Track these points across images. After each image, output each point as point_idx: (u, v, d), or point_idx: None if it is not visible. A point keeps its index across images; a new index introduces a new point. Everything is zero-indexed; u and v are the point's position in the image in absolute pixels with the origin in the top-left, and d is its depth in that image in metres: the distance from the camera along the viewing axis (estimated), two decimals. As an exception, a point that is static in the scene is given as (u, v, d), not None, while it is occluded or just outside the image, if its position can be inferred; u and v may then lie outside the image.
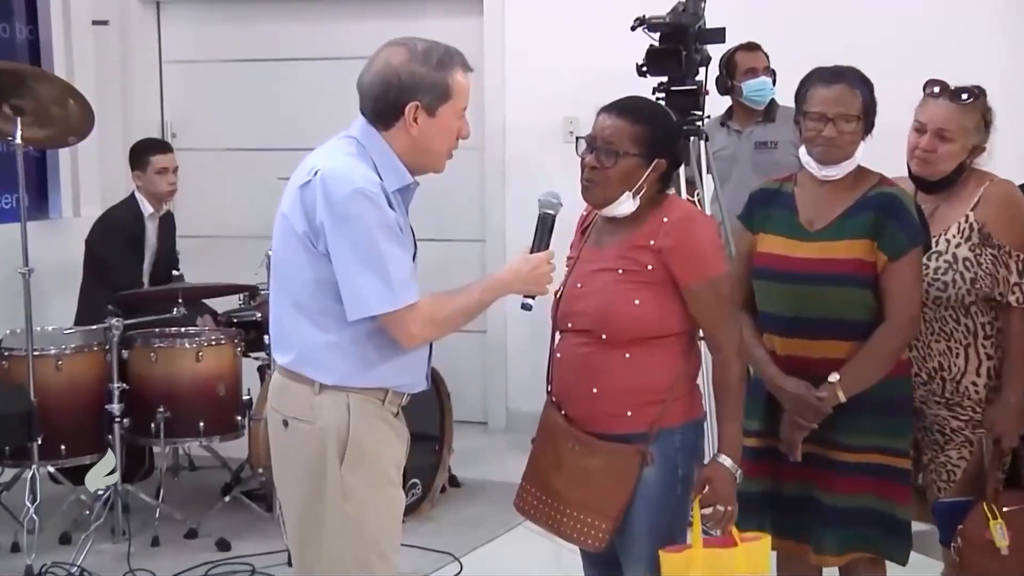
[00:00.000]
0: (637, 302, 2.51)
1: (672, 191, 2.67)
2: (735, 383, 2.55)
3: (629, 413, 2.53)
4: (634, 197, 2.54)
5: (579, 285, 2.62)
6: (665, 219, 2.53)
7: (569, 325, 2.63)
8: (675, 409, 2.54)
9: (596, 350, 2.55)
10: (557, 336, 2.69)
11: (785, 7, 5.24)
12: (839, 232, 2.76)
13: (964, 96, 2.90)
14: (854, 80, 2.77)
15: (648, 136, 2.54)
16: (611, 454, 2.53)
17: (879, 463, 2.76)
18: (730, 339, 2.56)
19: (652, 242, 2.52)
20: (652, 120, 2.58)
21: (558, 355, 2.66)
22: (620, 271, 2.54)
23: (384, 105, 2.42)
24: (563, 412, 2.62)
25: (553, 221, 2.56)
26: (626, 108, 2.58)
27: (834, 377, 2.71)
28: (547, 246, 2.54)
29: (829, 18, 5.20)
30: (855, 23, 5.12)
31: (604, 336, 2.53)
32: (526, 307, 2.52)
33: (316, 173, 2.37)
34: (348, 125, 2.52)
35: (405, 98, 2.40)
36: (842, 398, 2.72)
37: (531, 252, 2.53)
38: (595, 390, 2.55)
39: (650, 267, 2.52)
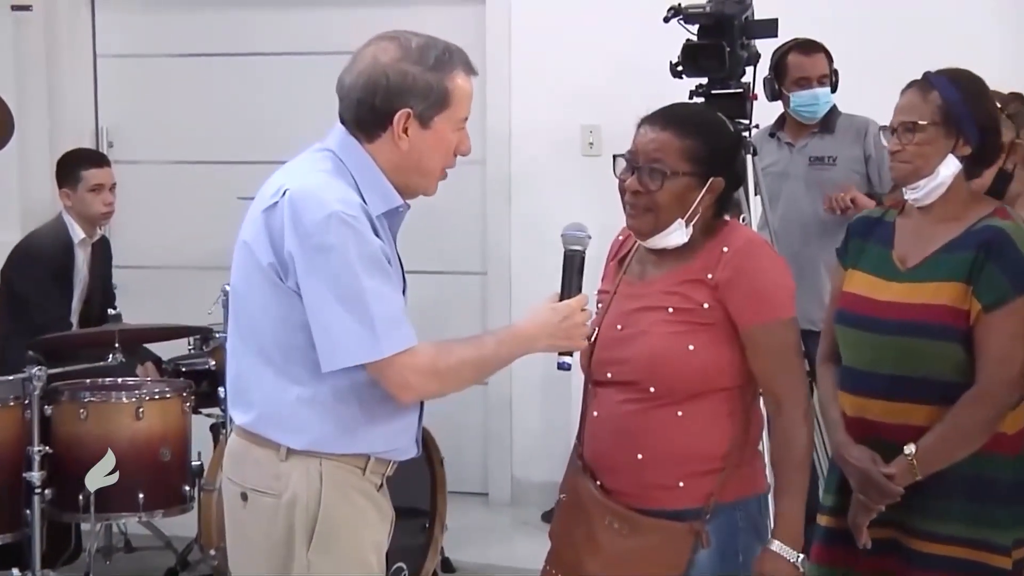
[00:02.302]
0: (692, 347, 2.51)
1: (730, 216, 2.68)
2: (799, 452, 2.54)
3: (681, 484, 2.53)
4: (687, 225, 2.56)
5: (619, 327, 2.62)
6: (725, 249, 2.55)
7: (608, 376, 2.62)
8: (736, 479, 2.54)
9: (642, 407, 2.55)
10: (591, 389, 2.69)
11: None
12: (931, 272, 2.75)
13: None
14: (936, 83, 2.78)
15: (702, 151, 2.55)
16: (658, 534, 2.52)
17: (969, 559, 2.71)
18: (794, 397, 2.54)
19: (709, 276, 2.53)
20: (705, 132, 2.59)
21: (594, 413, 2.66)
22: (670, 309, 2.55)
23: (368, 112, 2.43)
24: (598, 482, 2.62)
25: (583, 259, 2.56)
26: (673, 119, 2.59)
27: (909, 449, 2.69)
28: (578, 290, 2.53)
29: (908, 8, 5.24)
30: (941, 15, 5.16)
31: (652, 389, 2.53)
32: (564, 367, 2.52)
33: (284, 193, 2.39)
34: (324, 135, 2.53)
35: (394, 104, 2.41)
36: (918, 475, 2.69)
37: (560, 299, 2.52)
38: (640, 456, 2.55)
39: (706, 305, 2.53)
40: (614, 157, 2.64)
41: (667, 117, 2.59)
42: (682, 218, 2.55)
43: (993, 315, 2.68)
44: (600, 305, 2.71)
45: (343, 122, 2.49)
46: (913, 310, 2.74)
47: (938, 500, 2.72)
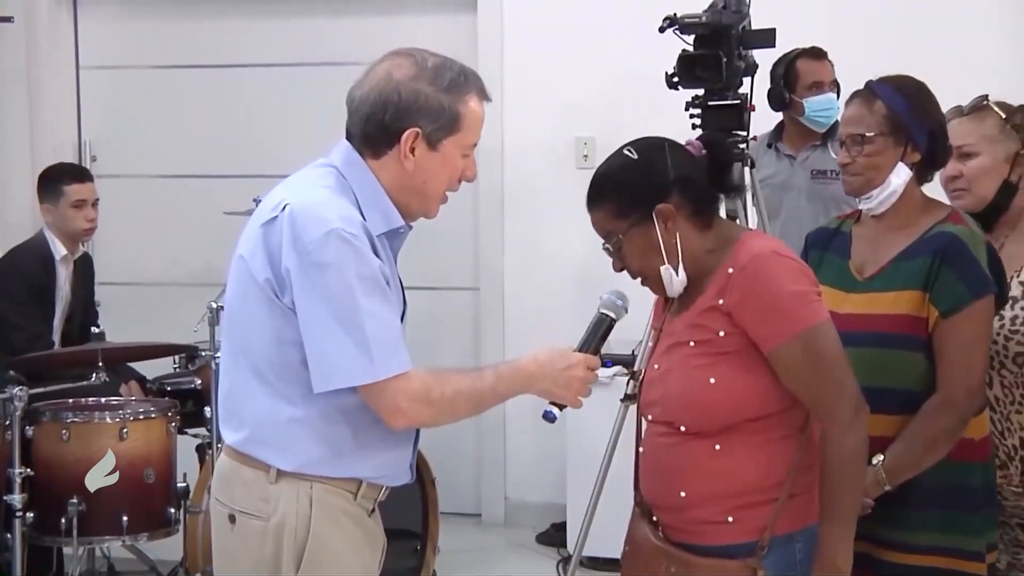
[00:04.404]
0: (713, 380, 2.47)
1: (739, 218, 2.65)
2: (848, 468, 2.45)
3: (730, 519, 2.48)
4: (676, 265, 2.53)
5: (656, 366, 2.62)
6: (731, 270, 2.48)
7: (649, 416, 2.63)
8: (792, 509, 2.48)
9: (678, 442, 2.52)
10: (644, 426, 2.68)
11: (850, 4, 5.33)
12: (888, 282, 2.79)
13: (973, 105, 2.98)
14: (878, 92, 2.82)
15: (624, 204, 2.53)
16: (712, 573, 2.48)
17: (945, 568, 2.75)
18: (838, 407, 2.46)
19: (721, 301, 2.48)
20: (615, 186, 2.55)
21: (642, 450, 2.65)
22: (692, 343, 2.52)
23: (376, 128, 2.45)
24: (654, 519, 2.60)
25: (611, 327, 2.58)
26: (591, 196, 2.59)
27: (877, 459, 2.72)
28: (596, 352, 2.55)
29: (904, 18, 5.28)
30: (941, 22, 5.19)
31: (683, 427, 2.51)
32: (549, 417, 2.53)
33: (284, 208, 2.40)
34: (319, 147, 2.55)
35: (404, 122, 2.43)
36: (887, 486, 2.72)
37: (575, 351, 2.53)
38: (683, 494, 2.51)
39: (722, 333, 2.48)
40: (606, 249, 2.62)
41: (589, 197, 2.59)
42: (663, 263, 2.53)
43: (951, 321, 2.71)
44: (651, 343, 2.71)
45: (349, 137, 2.50)
46: (874, 321, 2.77)
47: (912, 511, 2.75)
